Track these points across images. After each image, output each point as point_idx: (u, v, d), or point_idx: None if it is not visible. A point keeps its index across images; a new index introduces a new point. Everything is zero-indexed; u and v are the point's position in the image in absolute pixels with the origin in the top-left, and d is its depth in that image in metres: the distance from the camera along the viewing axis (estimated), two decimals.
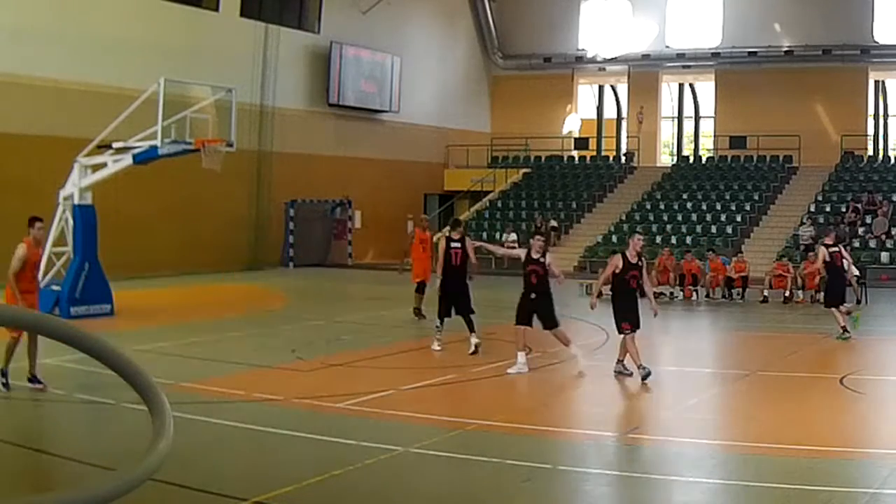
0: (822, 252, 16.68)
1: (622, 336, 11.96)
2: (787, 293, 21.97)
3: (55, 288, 17.59)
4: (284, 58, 30.50)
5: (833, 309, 16.10)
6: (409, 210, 30.34)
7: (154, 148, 17.92)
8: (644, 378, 11.59)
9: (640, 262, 12.12)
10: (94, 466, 7.74)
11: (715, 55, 36.08)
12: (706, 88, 38.87)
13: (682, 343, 16.84)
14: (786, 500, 7.09)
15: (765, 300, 21.76)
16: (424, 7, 36.94)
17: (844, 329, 15.80)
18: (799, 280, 22.17)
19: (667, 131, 40.55)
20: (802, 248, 26.74)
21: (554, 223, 32.18)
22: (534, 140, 37.80)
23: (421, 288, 17.82)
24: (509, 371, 12.21)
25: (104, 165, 18.27)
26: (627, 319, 11.88)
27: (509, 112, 39.75)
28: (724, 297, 22.68)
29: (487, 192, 36.37)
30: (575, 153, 39.14)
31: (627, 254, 12.10)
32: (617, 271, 12.07)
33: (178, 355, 13.42)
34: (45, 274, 17.94)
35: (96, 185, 18.33)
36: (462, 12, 39.07)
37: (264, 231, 30.25)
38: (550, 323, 12.35)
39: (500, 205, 35.54)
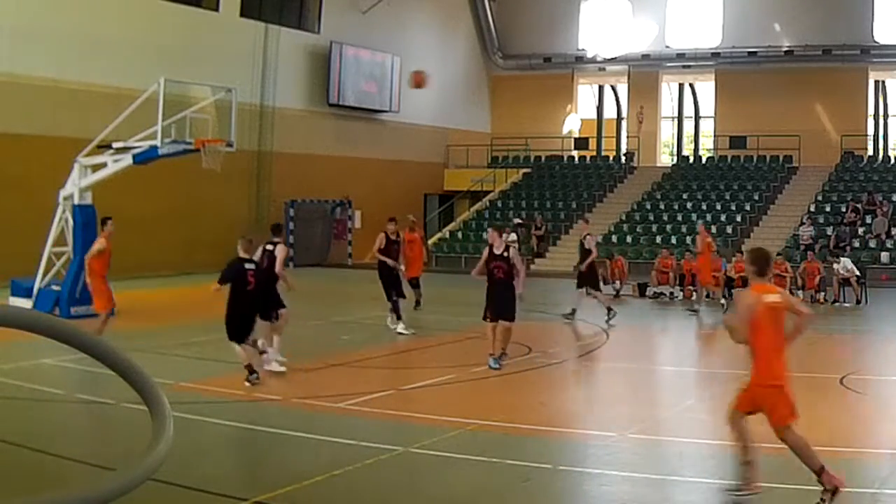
0: (591, 241, 18.13)
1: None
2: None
3: (55, 288, 17.59)
4: (284, 58, 30.50)
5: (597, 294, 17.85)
6: (409, 210, 30.35)
7: (154, 148, 17.93)
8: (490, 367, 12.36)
9: (505, 254, 12.67)
10: (94, 466, 7.73)
11: (715, 55, 36.08)
12: (706, 88, 38.88)
13: (681, 343, 16.84)
14: (785, 500, 7.10)
15: None
16: (424, 7, 36.93)
17: (610, 309, 17.25)
18: (798, 280, 22.16)
19: (667, 131, 40.56)
20: (802, 248, 26.74)
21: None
22: (534, 140, 37.83)
23: (414, 283, 19.20)
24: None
25: (104, 165, 18.27)
26: (488, 308, 12.56)
27: (509, 112, 39.75)
28: (724, 297, 22.65)
29: (487, 192, 36.38)
30: (575, 153, 39.14)
31: (494, 246, 12.74)
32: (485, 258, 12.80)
33: (178, 355, 13.43)
34: (45, 274, 17.97)
35: (96, 185, 18.33)
36: (462, 12, 39.06)
37: (264, 231, 30.19)
38: (267, 317, 12.63)
39: (499, 205, 35.52)
